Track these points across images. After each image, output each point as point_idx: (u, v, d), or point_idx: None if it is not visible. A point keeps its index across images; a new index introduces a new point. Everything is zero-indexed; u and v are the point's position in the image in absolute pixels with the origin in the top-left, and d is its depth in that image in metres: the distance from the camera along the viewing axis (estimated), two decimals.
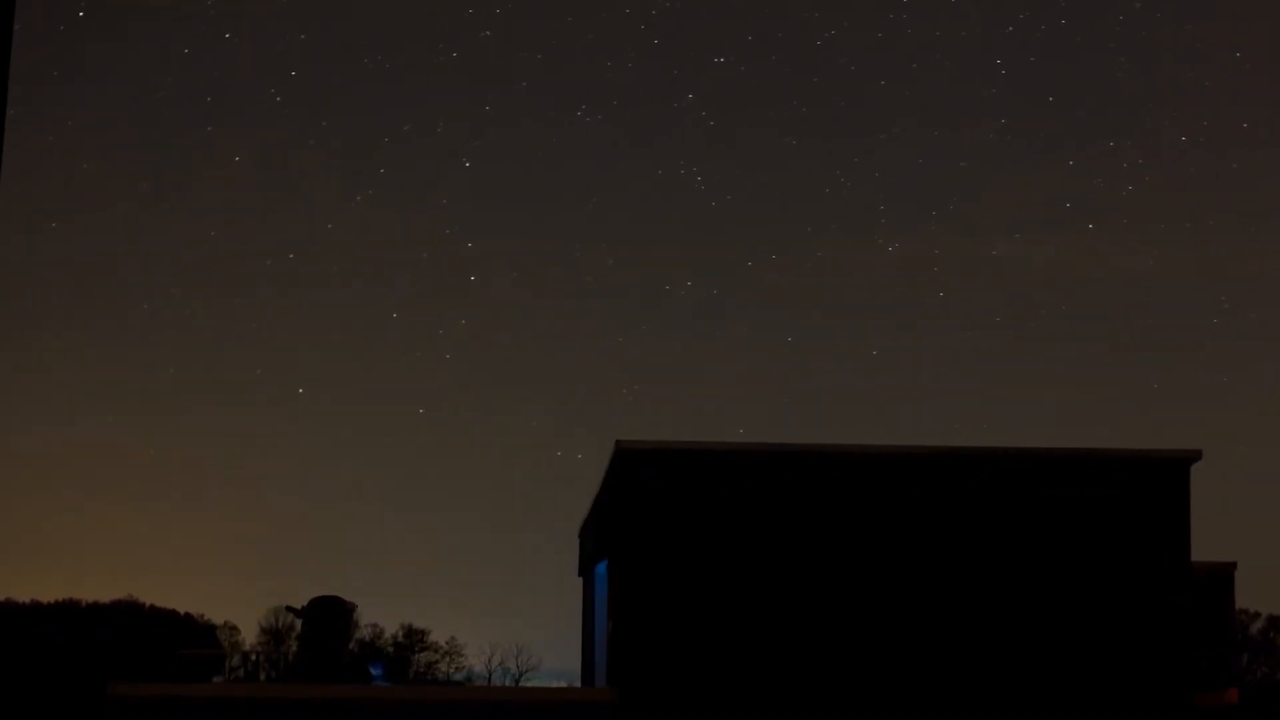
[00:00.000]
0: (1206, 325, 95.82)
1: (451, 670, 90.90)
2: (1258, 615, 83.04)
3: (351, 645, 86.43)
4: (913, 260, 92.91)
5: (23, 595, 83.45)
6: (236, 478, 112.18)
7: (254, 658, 74.54)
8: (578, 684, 38.17)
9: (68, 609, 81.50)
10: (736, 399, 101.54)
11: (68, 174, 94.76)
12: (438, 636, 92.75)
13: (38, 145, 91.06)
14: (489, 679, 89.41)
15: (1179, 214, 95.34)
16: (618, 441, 27.11)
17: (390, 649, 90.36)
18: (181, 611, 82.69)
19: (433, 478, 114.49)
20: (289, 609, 32.45)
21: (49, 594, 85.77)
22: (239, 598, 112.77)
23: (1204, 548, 28.48)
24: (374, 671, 63.39)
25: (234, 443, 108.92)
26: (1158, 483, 27.47)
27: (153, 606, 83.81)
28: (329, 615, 31.28)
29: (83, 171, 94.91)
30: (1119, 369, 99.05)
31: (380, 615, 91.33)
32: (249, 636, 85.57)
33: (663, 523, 26.77)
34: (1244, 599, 35.74)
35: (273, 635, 77.96)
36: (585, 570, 36.09)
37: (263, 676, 72.61)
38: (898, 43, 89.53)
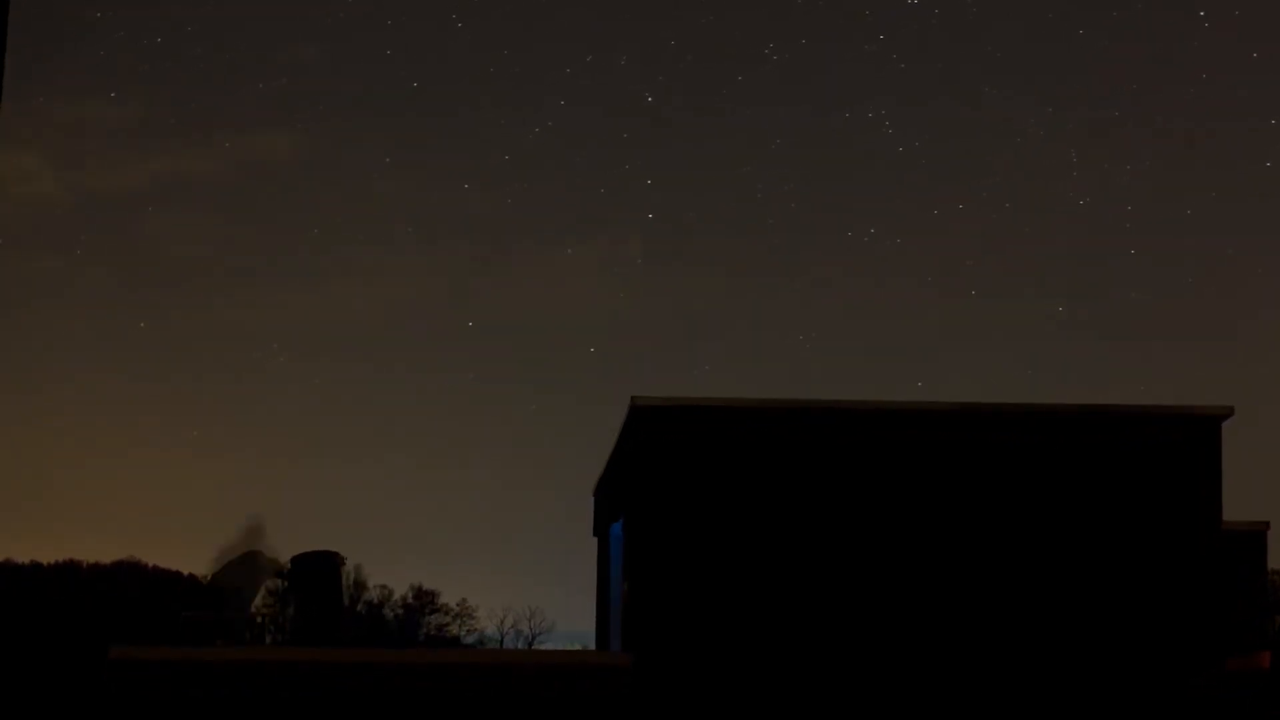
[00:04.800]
0: (1236, 280, 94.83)
1: (463, 633, 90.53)
2: None
3: (358, 606, 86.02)
4: (1106, 217, 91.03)
5: (22, 556, 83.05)
6: (242, 436, 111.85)
7: (259, 620, 74.01)
8: (592, 647, 37.67)
9: (68, 570, 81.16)
10: (917, 350, 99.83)
11: (234, 93, 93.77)
12: (449, 598, 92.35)
13: (214, 63, 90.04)
14: (501, 642, 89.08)
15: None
16: (633, 398, 26.54)
17: (400, 611, 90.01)
18: (184, 573, 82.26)
19: (444, 435, 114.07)
20: (278, 574, 31.47)
21: (49, 555, 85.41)
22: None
23: (1236, 508, 27.92)
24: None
25: (239, 402, 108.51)
26: (1188, 440, 26.91)
27: (155, 567, 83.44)
28: (315, 572, 30.25)
29: (257, 91, 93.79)
30: (1148, 323, 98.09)
31: (390, 576, 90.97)
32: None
33: (680, 481, 26.22)
34: (1277, 560, 35.07)
35: (278, 597, 77.48)
36: (600, 530, 35.63)
37: (268, 639, 72.18)
38: None
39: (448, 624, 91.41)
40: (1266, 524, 33.13)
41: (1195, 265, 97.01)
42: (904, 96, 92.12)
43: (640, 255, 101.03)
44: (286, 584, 31.05)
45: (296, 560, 29.86)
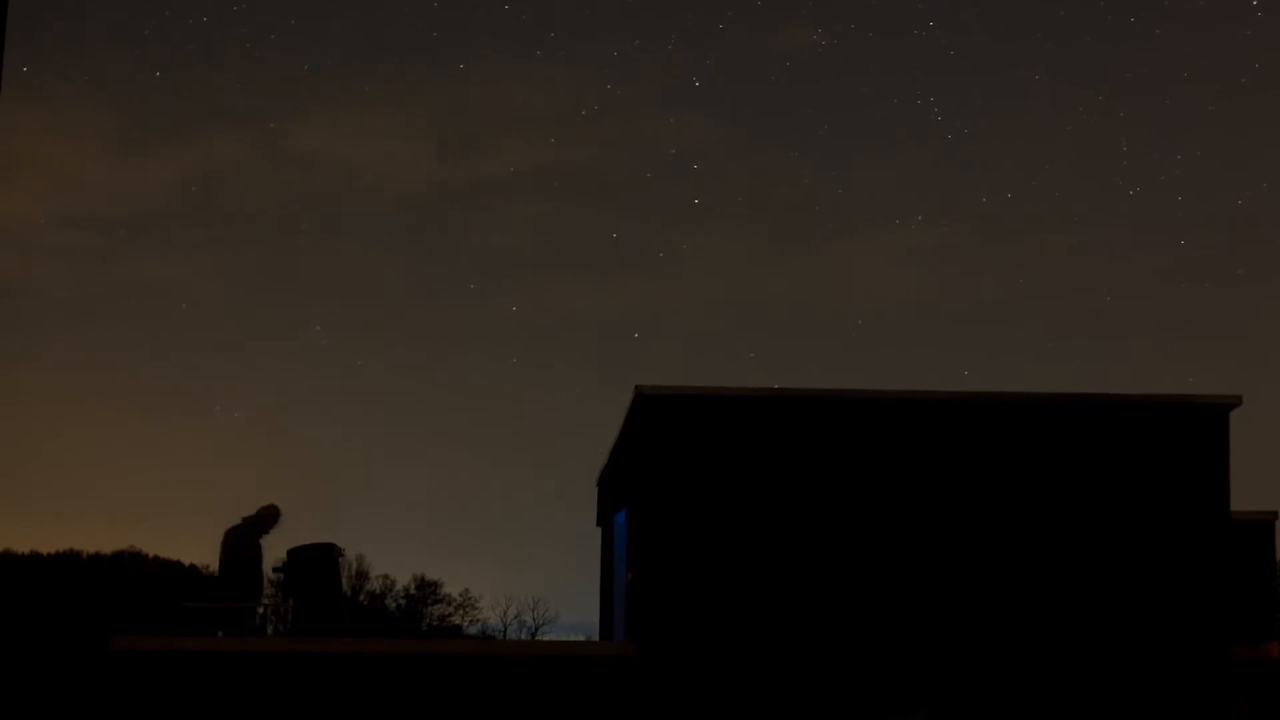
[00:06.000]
0: (1247, 266, 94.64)
1: (466, 623, 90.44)
2: None
3: (360, 596, 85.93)
4: (1156, 207, 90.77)
5: (22, 546, 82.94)
6: (243, 425, 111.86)
7: (262, 610, 73.73)
8: (596, 637, 37.51)
9: (68, 560, 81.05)
10: (966, 338, 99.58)
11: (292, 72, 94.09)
12: (451, 588, 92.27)
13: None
14: (504, 633, 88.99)
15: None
16: (637, 386, 26.34)
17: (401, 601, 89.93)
18: (186, 562, 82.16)
19: (446, 425, 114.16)
20: (275, 568, 30.99)
21: (49, 545, 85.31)
22: None
23: (1244, 497, 27.62)
24: None
25: (241, 388, 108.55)
26: (1195, 429, 26.63)
27: (156, 557, 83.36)
28: (312, 565, 29.90)
29: (303, 73, 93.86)
30: (1156, 310, 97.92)
31: (392, 566, 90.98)
32: None
33: (684, 470, 26.00)
34: None
35: (278, 588, 77.24)
36: (604, 520, 35.47)
37: (271, 630, 71.91)
38: None
39: (450, 614, 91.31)
40: (1274, 514, 33.00)
41: (1246, 256, 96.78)
42: (953, 82, 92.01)
43: (685, 240, 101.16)
44: (283, 576, 30.61)
45: (293, 553, 29.60)
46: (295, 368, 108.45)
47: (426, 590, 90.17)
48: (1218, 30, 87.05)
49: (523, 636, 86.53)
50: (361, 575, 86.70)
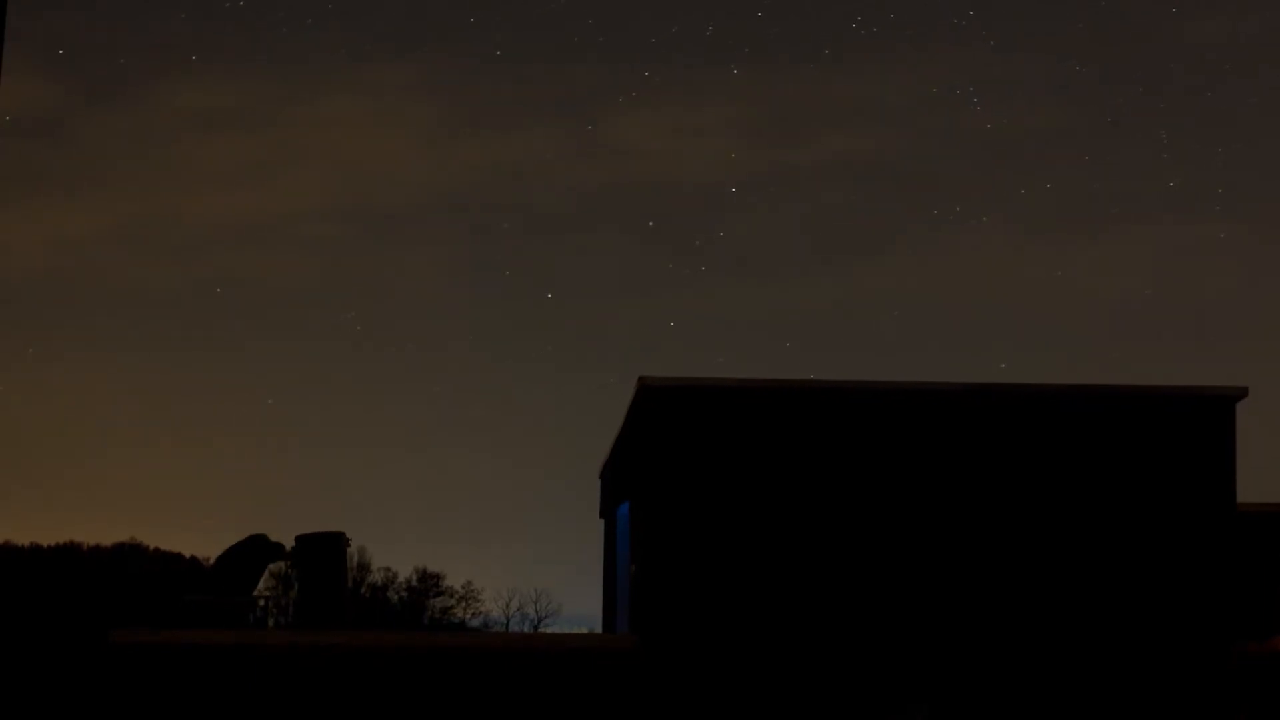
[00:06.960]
0: (1252, 257, 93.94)
1: (468, 616, 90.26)
2: None
3: (362, 588, 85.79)
4: (1196, 199, 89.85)
5: (22, 538, 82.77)
6: (243, 417, 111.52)
7: (262, 603, 73.69)
8: (599, 630, 37.41)
9: (68, 552, 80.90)
10: (1004, 330, 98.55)
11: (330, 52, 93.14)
12: (453, 581, 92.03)
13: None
14: (506, 625, 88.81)
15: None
16: (641, 377, 26.22)
17: (403, 593, 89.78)
18: (186, 555, 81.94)
19: (448, 416, 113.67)
20: (282, 557, 30.80)
21: (49, 537, 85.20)
22: None
23: (1250, 490, 27.48)
24: None
25: (240, 381, 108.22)
26: (1201, 421, 26.55)
27: (157, 550, 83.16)
28: (320, 553, 29.76)
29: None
30: (1160, 303, 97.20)
31: (394, 559, 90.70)
32: None
33: (688, 462, 25.89)
34: None
35: (281, 579, 77.23)
36: (607, 512, 35.38)
37: (271, 623, 71.88)
38: None
39: (452, 606, 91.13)
40: None
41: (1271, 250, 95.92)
42: (992, 73, 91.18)
43: (721, 230, 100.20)
44: (290, 565, 30.47)
45: (301, 540, 29.49)
46: (317, 360, 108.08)
47: (429, 583, 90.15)
48: (1258, 21, 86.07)
49: (525, 629, 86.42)
50: (363, 567, 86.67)
